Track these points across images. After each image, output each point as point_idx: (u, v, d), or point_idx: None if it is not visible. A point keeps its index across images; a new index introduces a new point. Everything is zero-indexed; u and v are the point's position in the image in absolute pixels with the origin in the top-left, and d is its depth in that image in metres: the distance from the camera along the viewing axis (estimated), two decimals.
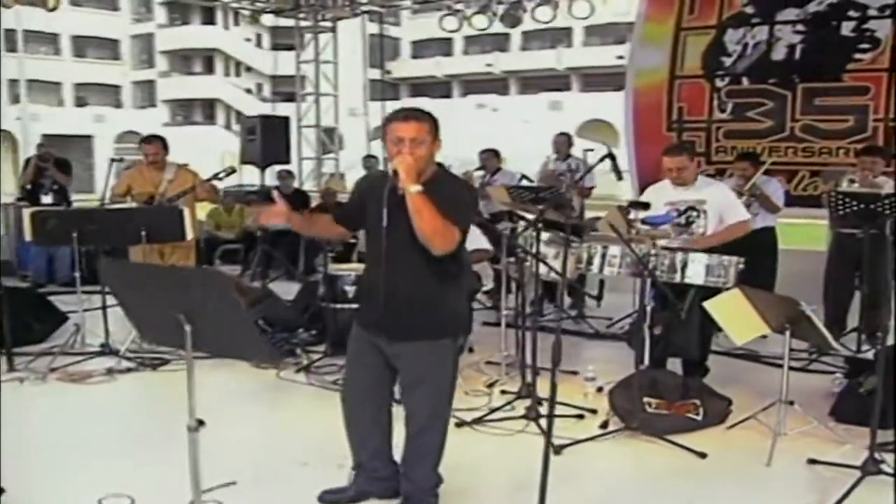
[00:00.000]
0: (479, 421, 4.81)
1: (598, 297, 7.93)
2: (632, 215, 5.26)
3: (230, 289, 2.64)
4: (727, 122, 9.00)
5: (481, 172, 9.30)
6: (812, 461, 4.23)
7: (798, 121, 8.56)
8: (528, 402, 4.99)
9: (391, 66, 40.62)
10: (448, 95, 44.54)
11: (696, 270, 4.95)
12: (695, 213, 5.56)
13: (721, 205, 5.53)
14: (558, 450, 4.43)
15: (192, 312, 2.73)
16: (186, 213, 6.31)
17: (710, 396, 5.02)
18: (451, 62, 44.58)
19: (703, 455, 4.38)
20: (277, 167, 10.98)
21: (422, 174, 3.27)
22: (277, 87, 42.08)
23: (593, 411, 5.10)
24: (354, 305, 5.90)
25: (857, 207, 6.22)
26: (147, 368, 6.07)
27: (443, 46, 42.86)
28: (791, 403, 4.56)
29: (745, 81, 8.91)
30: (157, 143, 6.81)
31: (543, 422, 4.71)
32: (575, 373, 5.76)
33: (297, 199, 10.72)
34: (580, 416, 5.03)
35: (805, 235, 9.07)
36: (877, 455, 3.85)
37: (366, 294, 3.59)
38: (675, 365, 5.46)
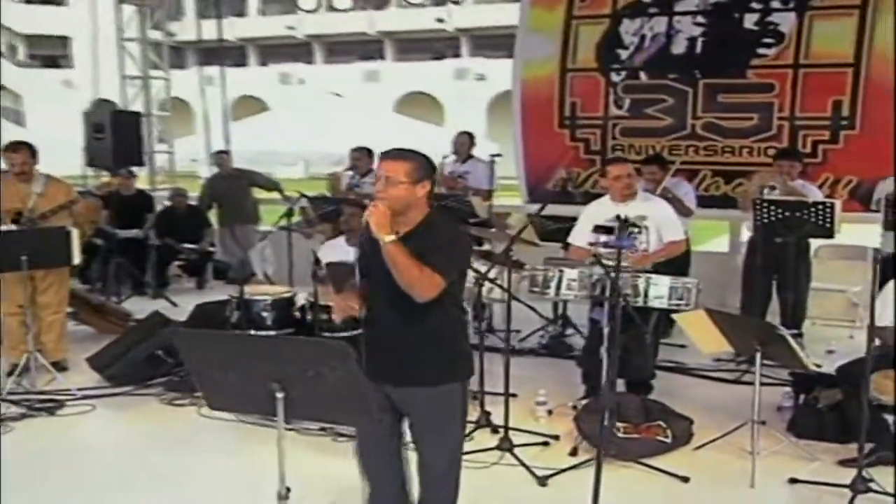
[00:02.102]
0: None
1: (554, 321, 8.48)
2: (591, 239, 5.86)
3: (350, 358, 2.99)
4: (624, 119, 9.81)
5: (350, 173, 9.66)
6: (793, 480, 4.99)
7: (700, 118, 9.46)
8: (487, 431, 5.52)
9: (175, 28, 39.65)
10: (243, 63, 44.01)
11: (660, 293, 5.64)
12: (636, 230, 6.23)
13: (661, 221, 6.25)
14: (543, 481, 4.99)
15: (287, 380, 3.07)
16: (75, 234, 6.37)
17: (672, 417, 5.74)
18: (245, 24, 43.96)
19: (685, 479, 5.06)
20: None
21: (408, 218, 3.63)
22: (35, 49, 40.14)
23: (556, 437, 5.67)
24: (272, 332, 6.31)
25: (783, 215, 7.12)
26: (42, 413, 6.13)
27: (235, 5, 42.28)
28: (763, 423, 5.31)
29: (643, 76, 9.74)
30: (24, 151, 6.79)
31: (517, 452, 5.27)
32: (514, 395, 6.28)
33: (140, 204, 10.71)
34: (545, 444, 5.58)
35: (706, 237, 10.08)
36: (864, 473, 4.63)
37: (370, 342, 3.91)
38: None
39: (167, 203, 11.44)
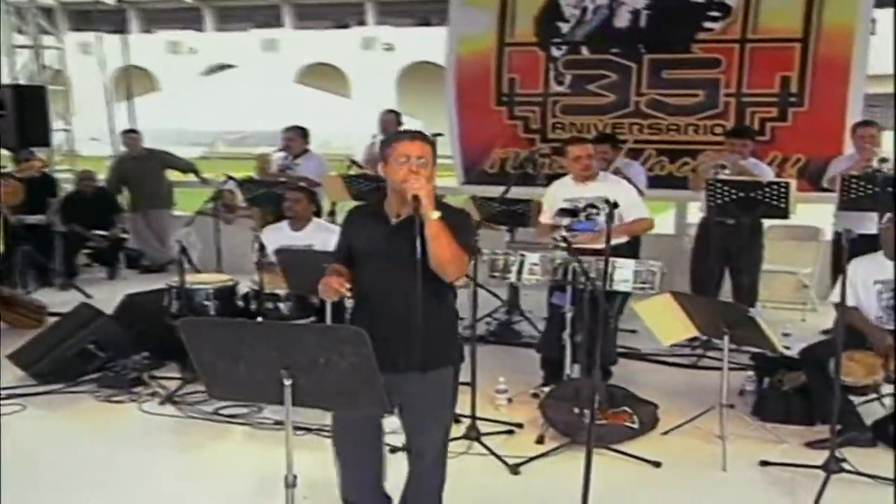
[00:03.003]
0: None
1: (515, 306, 8.81)
2: (556, 221, 6.19)
3: (366, 344, 3.24)
4: (565, 95, 10.16)
5: (282, 154, 9.83)
6: (764, 463, 5.40)
7: (644, 95, 9.85)
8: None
9: None
10: (123, 30, 43.14)
11: (625, 277, 5.98)
12: (595, 211, 6.58)
13: (623, 202, 6.55)
14: (515, 470, 5.31)
15: (297, 368, 3.31)
16: None
17: (637, 402, 6.12)
18: None
19: (657, 464, 5.43)
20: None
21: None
22: None
23: (519, 425, 6.00)
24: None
25: (737, 196, 7.53)
26: None
27: None
28: (731, 407, 5.71)
29: (584, 51, 10.09)
30: None
31: (486, 440, 5.58)
32: (466, 384, 6.58)
33: (43, 187, 10.66)
34: (510, 432, 5.90)
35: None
36: (837, 454, 5.05)
37: (367, 329, 4.15)
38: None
39: (72, 187, 11.38)
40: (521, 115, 10.27)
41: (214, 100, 17.65)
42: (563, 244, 5.83)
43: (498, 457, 5.44)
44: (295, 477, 3.64)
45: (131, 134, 11.65)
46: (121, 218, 11.34)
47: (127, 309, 7.68)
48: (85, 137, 13.88)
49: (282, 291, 6.91)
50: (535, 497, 5.10)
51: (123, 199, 11.55)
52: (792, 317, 8.77)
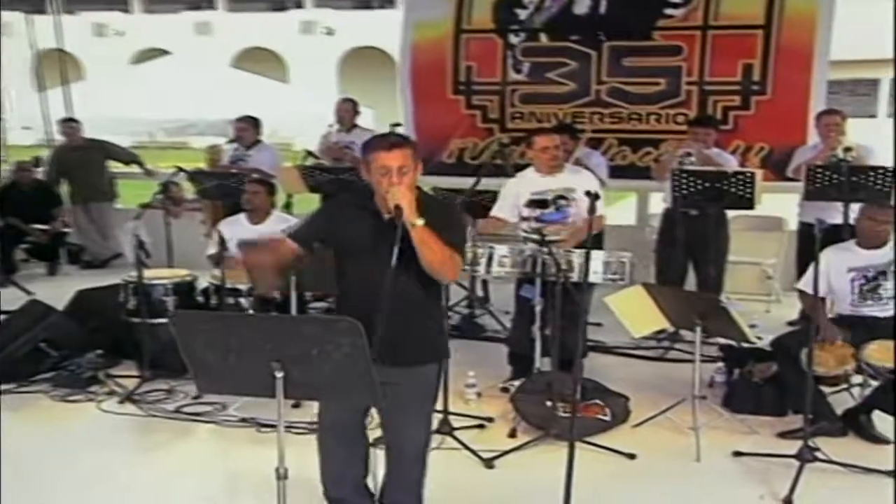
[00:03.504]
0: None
1: (485, 300, 9.03)
2: (526, 213, 6.41)
3: (361, 335, 3.42)
4: (524, 84, 10.34)
5: (234, 146, 9.96)
6: (738, 453, 5.67)
7: (604, 83, 10.06)
8: None
9: None
10: (42, 10, 42.64)
11: (595, 268, 6.22)
12: (564, 202, 6.82)
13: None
14: (490, 464, 5.53)
15: (290, 360, 3.49)
16: None
17: (608, 395, 6.37)
18: None
19: (632, 456, 5.68)
20: None
21: None
22: None
23: (490, 419, 6.23)
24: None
25: (702, 186, 7.80)
26: None
27: None
28: (704, 398, 5.98)
29: (543, 38, 10.26)
30: None
31: (459, 435, 5.79)
32: None
33: None
34: (481, 426, 6.12)
35: (613, 209, 10.74)
36: (810, 443, 5.33)
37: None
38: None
39: (8, 178, 11.36)
40: (479, 104, 10.44)
41: (149, 86, 17.55)
42: (535, 236, 6.02)
43: (472, 451, 5.65)
44: (286, 470, 3.78)
45: (70, 123, 11.64)
46: (61, 211, 11.33)
47: (78, 305, 7.76)
48: (16, 126, 13.79)
49: (243, 286, 7.04)
50: (511, 490, 5.31)
51: (63, 191, 11.52)
52: (756, 308, 9.05)
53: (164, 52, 25.43)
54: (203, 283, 7.42)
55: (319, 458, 4.50)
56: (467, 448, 5.67)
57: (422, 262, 4.04)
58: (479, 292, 9.00)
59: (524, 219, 6.64)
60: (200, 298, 7.28)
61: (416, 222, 3.97)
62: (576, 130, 8.73)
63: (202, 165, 10.32)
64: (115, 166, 11.94)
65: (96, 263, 11.45)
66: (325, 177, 8.65)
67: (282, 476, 3.80)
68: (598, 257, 6.25)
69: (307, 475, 4.48)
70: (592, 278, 6.25)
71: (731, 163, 8.35)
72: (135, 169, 11.94)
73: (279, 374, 3.56)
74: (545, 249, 6.01)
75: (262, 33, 36.52)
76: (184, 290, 7.22)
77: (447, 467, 5.46)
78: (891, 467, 5.35)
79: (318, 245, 4.42)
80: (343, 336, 3.44)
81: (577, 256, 6.23)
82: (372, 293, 3.97)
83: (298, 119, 15.12)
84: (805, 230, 8.31)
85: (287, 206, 9.05)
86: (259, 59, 33.70)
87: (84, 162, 11.42)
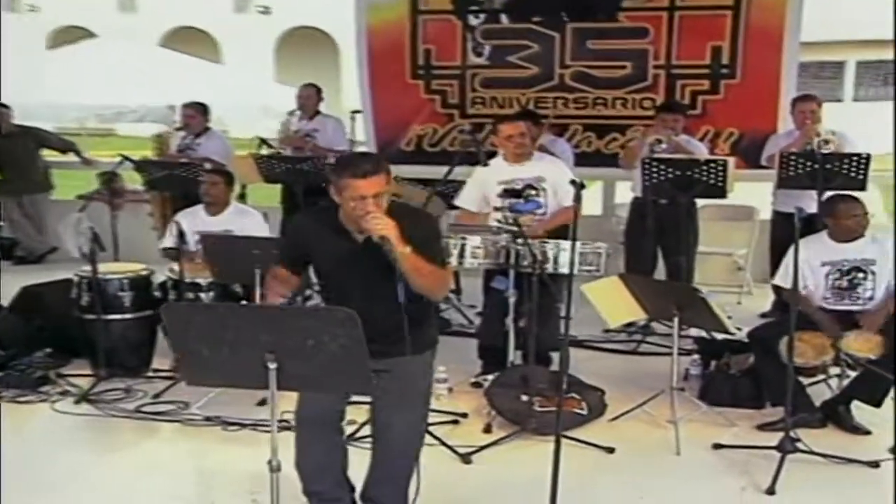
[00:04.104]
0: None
1: (457, 291, 9.21)
2: (499, 203, 6.66)
3: (356, 325, 3.66)
4: (485, 68, 10.56)
5: (182, 134, 10.12)
6: (717, 446, 5.97)
7: (568, 67, 10.31)
8: None
9: None
10: None
11: (569, 259, 6.45)
12: (533, 192, 7.09)
13: (558, 183, 7.06)
14: (467, 459, 5.79)
15: (283, 351, 3.72)
16: None
17: (584, 389, 6.65)
18: None
19: (611, 450, 5.96)
20: None
21: None
22: None
23: (464, 415, 6.49)
24: (130, 315, 6.82)
25: (673, 174, 8.09)
26: None
27: None
28: (682, 390, 6.29)
29: (504, 19, 10.47)
30: None
31: (433, 430, 6.02)
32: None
33: None
34: (455, 422, 6.38)
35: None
36: (791, 434, 5.65)
37: None
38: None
39: None
40: (439, 88, 10.66)
41: (73, 69, 17.31)
42: (512, 226, 6.27)
43: (448, 447, 5.89)
44: (279, 462, 4.04)
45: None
46: None
47: (23, 302, 7.83)
48: None
49: (202, 280, 7.22)
50: (490, 485, 5.56)
51: None
52: (727, 300, 9.31)
53: (82, 30, 25.26)
54: (160, 277, 7.55)
55: (296, 452, 4.69)
56: (443, 444, 5.89)
57: (412, 285, 4.29)
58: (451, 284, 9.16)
59: (497, 209, 6.87)
60: (158, 293, 7.40)
61: (405, 251, 4.21)
62: (538, 116, 8.96)
63: (149, 154, 10.39)
64: (49, 154, 11.95)
65: (31, 258, 11.52)
66: (281, 166, 8.84)
67: (275, 469, 4.02)
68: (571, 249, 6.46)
69: (282, 473, 4.67)
70: (566, 269, 6.48)
71: (700, 150, 8.62)
72: (71, 158, 11.98)
73: (272, 366, 3.77)
74: (520, 240, 6.23)
75: (192, 11, 36.37)
76: (141, 285, 7.36)
77: (424, 463, 5.64)
78: (871, 458, 5.69)
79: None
80: (339, 327, 3.67)
81: (550, 247, 6.47)
82: (356, 306, 4.11)
83: (234, 104, 15.14)
84: (780, 220, 8.63)
85: (241, 198, 9.19)
86: (189, 40, 33.60)
87: (15, 151, 11.42)
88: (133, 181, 10.55)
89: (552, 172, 7.07)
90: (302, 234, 4.62)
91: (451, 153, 9.54)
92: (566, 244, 6.50)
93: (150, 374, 7.41)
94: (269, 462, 4.05)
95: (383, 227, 4.17)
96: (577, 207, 5.20)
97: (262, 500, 5.17)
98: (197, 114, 9.99)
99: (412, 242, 4.24)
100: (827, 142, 8.01)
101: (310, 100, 10.13)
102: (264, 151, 9.57)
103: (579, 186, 5.05)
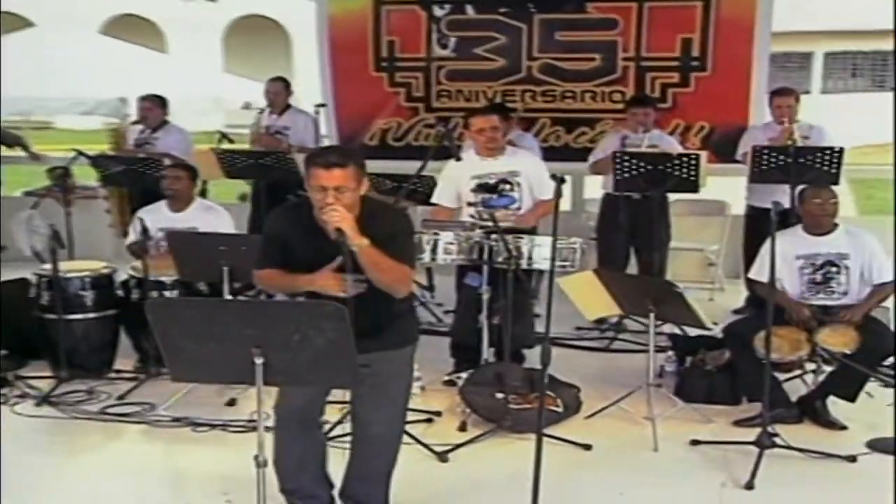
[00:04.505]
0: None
1: (430, 287, 9.42)
2: (472, 199, 6.86)
3: (345, 319, 3.84)
4: (450, 60, 10.74)
5: (140, 127, 10.18)
6: (695, 442, 6.21)
7: (536, 59, 10.51)
8: None
9: None
10: None
11: (544, 255, 6.67)
12: (507, 187, 7.29)
13: (533, 177, 7.29)
14: (443, 457, 5.99)
15: (270, 345, 3.88)
16: None
17: (559, 386, 6.86)
18: None
19: (588, 447, 6.18)
20: None
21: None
22: None
23: (438, 413, 6.70)
24: (92, 315, 6.95)
25: (645, 169, 8.32)
26: None
27: None
28: (659, 386, 6.52)
29: (470, 10, 10.64)
30: None
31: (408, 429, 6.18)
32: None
33: None
34: (429, 420, 6.59)
35: None
36: (769, 429, 5.89)
37: None
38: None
39: None
40: (403, 81, 10.81)
41: (10, 60, 17.12)
42: (489, 222, 6.47)
43: (425, 445, 6.07)
44: (266, 459, 4.20)
45: None
46: None
47: None
48: None
49: (166, 278, 7.35)
50: (467, 483, 5.76)
51: None
52: (699, 296, 9.40)
53: (19, 18, 24.96)
54: (121, 275, 7.68)
55: (275, 449, 4.83)
56: (419, 442, 6.07)
57: (371, 279, 4.44)
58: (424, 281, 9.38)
59: (470, 204, 7.05)
60: (120, 292, 7.53)
61: (361, 244, 4.37)
62: (507, 110, 9.11)
63: (105, 148, 10.46)
64: None
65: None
66: (244, 161, 8.95)
67: (261, 464, 4.17)
68: (547, 243, 6.66)
69: (254, 473, 4.86)
70: (542, 265, 6.70)
71: (672, 145, 8.92)
72: (18, 153, 12.01)
73: (259, 361, 3.93)
74: (496, 236, 6.42)
75: None
76: (103, 284, 7.49)
77: (400, 462, 5.85)
78: (848, 452, 5.94)
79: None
80: (327, 321, 3.85)
81: (525, 243, 6.67)
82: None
83: (182, 96, 15.09)
84: (754, 214, 8.88)
85: (202, 194, 9.25)
86: (131, 28, 33.31)
87: None
88: (85, 177, 10.62)
89: (527, 166, 7.27)
90: (277, 232, 4.77)
91: (420, 148, 9.81)
92: (540, 239, 6.70)
93: (113, 375, 7.55)
94: (256, 457, 4.18)
95: (339, 218, 4.32)
96: (557, 202, 5.36)
97: (237, 499, 5.41)
98: (155, 106, 10.02)
99: (379, 238, 4.41)
100: (806, 138, 8.29)
101: (279, 95, 10.16)
102: (225, 146, 9.61)
103: (559, 181, 5.22)
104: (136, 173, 9.11)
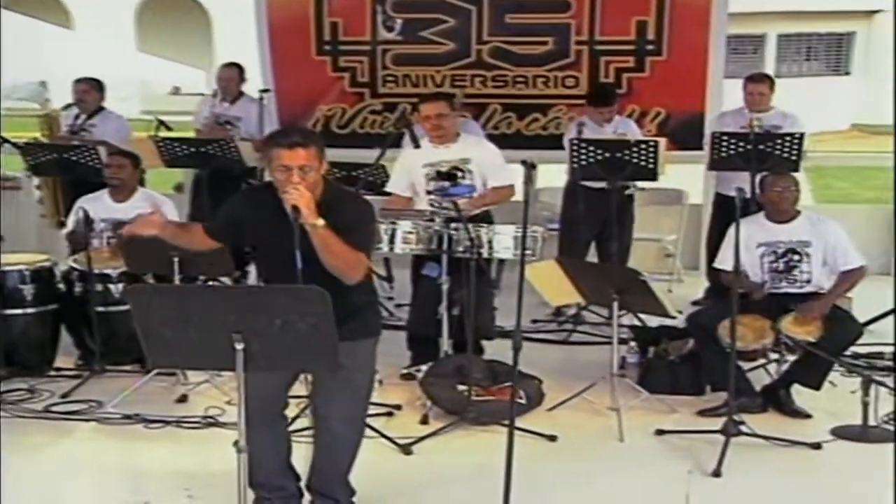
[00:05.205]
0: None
1: (388, 279, 9.72)
2: (431, 187, 7.21)
3: (328, 303, 4.17)
4: (396, 44, 11.04)
5: (74, 112, 10.28)
6: (660, 432, 6.62)
7: (486, 43, 10.82)
8: None
9: None
10: None
11: (505, 244, 7.05)
12: (460, 174, 7.64)
13: (485, 165, 7.66)
14: (408, 450, 6.35)
15: (251, 331, 4.18)
16: None
17: (521, 378, 7.20)
18: None
19: (553, 438, 6.56)
20: None
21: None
22: None
23: (398, 407, 7.06)
24: (32, 310, 7.19)
25: (602, 157, 8.69)
26: None
27: None
28: (623, 376, 6.93)
29: None
30: None
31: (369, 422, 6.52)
32: None
33: None
34: (390, 414, 6.95)
35: None
36: (735, 417, 6.31)
37: None
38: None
39: None
40: (347, 65, 11.11)
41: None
42: (450, 211, 6.83)
43: (388, 438, 6.42)
44: (245, 445, 4.48)
45: None
46: None
47: None
48: None
49: (112, 271, 7.62)
50: (432, 475, 6.08)
51: None
52: (657, 288, 9.87)
53: None
54: (60, 267, 7.91)
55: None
56: (383, 435, 6.40)
57: (322, 261, 4.72)
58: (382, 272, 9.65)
59: (429, 192, 7.40)
60: (62, 286, 7.75)
61: (315, 224, 4.66)
62: (449, 96, 9.08)
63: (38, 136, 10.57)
64: None
65: None
66: (184, 150, 9.17)
67: (241, 449, 4.45)
68: (507, 232, 7.05)
69: (214, 469, 5.17)
70: (503, 254, 7.09)
71: (635, 132, 9.40)
72: None
73: (239, 346, 4.21)
74: (459, 225, 6.78)
75: None
76: (43, 278, 7.67)
77: (363, 455, 6.11)
78: (813, 440, 6.38)
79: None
80: (309, 305, 4.16)
81: (485, 231, 7.03)
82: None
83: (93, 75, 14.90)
84: (723, 202, 9.21)
85: (140, 183, 9.44)
86: (31, 1, 33.01)
87: None
88: (9, 167, 10.75)
89: (477, 154, 7.66)
90: (240, 208, 5.12)
91: (366, 135, 10.17)
92: (500, 228, 7.06)
93: (53, 373, 7.76)
94: (236, 442, 4.45)
95: (297, 197, 4.62)
96: (527, 189, 5.68)
97: (198, 495, 5.71)
98: (92, 90, 10.07)
99: (339, 225, 4.70)
100: (778, 128, 8.77)
101: (231, 82, 10.25)
102: (163, 133, 9.77)
103: (530, 166, 5.55)
104: (70, 162, 9.23)
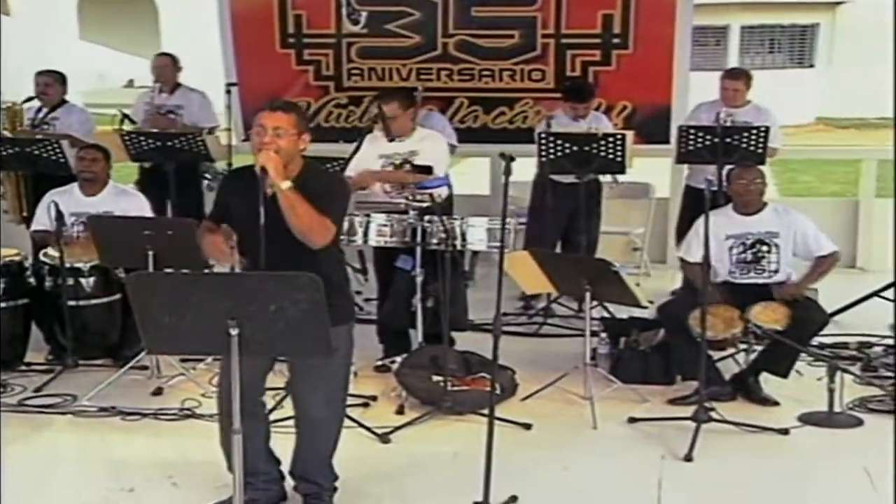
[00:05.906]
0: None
1: (363, 271, 10.06)
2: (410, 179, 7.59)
3: (321, 289, 4.51)
4: (361, 37, 11.29)
5: (37, 104, 10.40)
6: (632, 419, 7.02)
7: (452, 36, 11.10)
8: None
9: None
10: None
11: (479, 236, 7.43)
12: (409, 167, 8.02)
13: (430, 158, 8.01)
14: (385, 439, 6.71)
15: (245, 317, 4.49)
16: None
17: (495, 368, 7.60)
18: None
19: (528, 426, 6.94)
20: None
21: (288, 169, 5.09)
22: None
23: (373, 398, 7.42)
24: (2, 304, 7.48)
25: (571, 150, 9.06)
26: None
27: None
28: (595, 366, 7.33)
29: None
30: None
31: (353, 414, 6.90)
32: None
33: None
34: (366, 405, 7.30)
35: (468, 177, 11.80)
36: (706, 405, 6.71)
37: None
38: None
39: None
40: (312, 59, 11.37)
41: None
42: (426, 203, 7.20)
43: (366, 427, 6.77)
44: (240, 427, 4.77)
45: None
46: None
47: None
48: None
49: (83, 265, 7.91)
50: (411, 462, 6.42)
51: None
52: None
53: None
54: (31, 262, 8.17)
55: (221, 430, 5.41)
56: (361, 425, 6.74)
57: (289, 226, 5.05)
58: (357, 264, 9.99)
59: (404, 187, 7.77)
60: (32, 280, 8.02)
61: (282, 185, 5.00)
62: (409, 91, 9.33)
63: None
64: None
65: None
66: (150, 144, 9.44)
67: (237, 431, 4.75)
68: (480, 224, 7.42)
69: (194, 458, 5.46)
70: (477, 246, 7.46)
71: (604, 124, 9.80)
72: None
73: (234, 332, 4.51)
74: (434, 217, 7.16)
75: None
76: (14, 272, 7.93)
77: (342, 445, 6.48)
78: (781, 426, 6.81)
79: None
80: (301, 291, 4.47)
81: (458, 224, 7.39)
82: (261, 263, 5.06)
83: (32, 65, 14.76)
84: (693, 193, 9.59)
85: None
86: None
87: None
88: None
89: (424, 147, 8.06)
90: (224, 189, 5.53)
91: (330, 129, 10.57)
92: (475, 220, 7.43)
93: (24, 367, 8.03)
94: (231, 426, 4.77)
95: (266, 159, 4.97)
96: (506, 181, 6.02)
97: (182, 483, 6.06)
98: (54, 82, 10.20)
99: (309, 192, 5.03)
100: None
101: (166, 70, 10.50)
102: (127, 127, 10.05)
103: (509, 159, 5.90)
104: (32, 156, 9.34)
